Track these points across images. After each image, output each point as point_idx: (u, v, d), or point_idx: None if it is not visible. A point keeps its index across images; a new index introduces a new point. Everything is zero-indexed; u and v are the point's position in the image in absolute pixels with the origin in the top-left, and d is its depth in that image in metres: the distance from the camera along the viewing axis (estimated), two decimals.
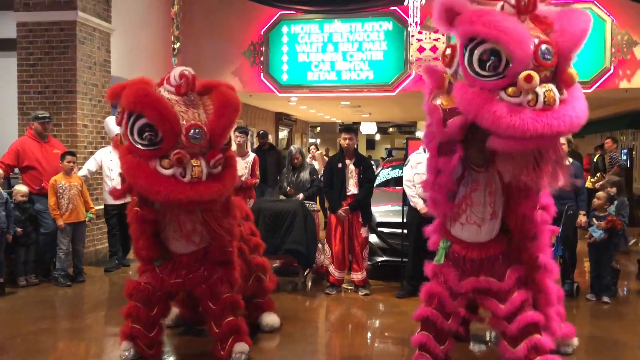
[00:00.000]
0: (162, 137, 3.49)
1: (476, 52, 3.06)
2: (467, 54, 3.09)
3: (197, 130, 3.52)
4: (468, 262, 3.62)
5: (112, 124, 7.22)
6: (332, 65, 9.83)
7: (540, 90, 2.94)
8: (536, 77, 2.93)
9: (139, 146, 3.52)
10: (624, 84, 9.17)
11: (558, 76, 3.04)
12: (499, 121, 2.96)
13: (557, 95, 2.97)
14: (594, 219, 5.70)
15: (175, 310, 4.77)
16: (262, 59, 10.04)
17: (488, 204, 3.53)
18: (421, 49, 9.49)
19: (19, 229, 5.95)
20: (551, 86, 2.97)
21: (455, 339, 3.90)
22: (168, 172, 3.49)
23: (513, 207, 3.52)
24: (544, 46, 2.97)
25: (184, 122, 3.53)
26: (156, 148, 3.51)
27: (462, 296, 3.66)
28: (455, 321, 3.70)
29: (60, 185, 6.18)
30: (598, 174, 11.17)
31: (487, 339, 4.71)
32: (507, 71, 2.99)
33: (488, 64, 3.03)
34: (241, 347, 3.96)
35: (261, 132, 9.51)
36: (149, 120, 3.47)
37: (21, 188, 6.20)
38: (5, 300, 5.64)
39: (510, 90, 2.98)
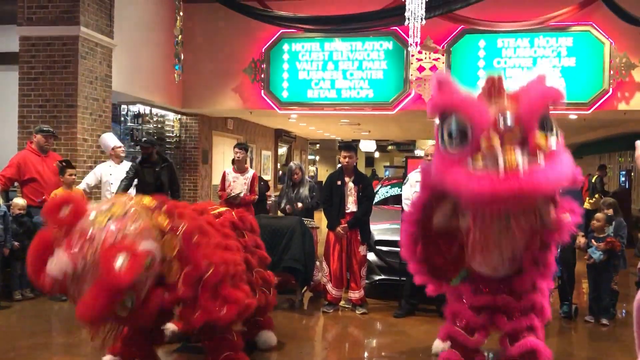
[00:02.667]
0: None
1: (445, 126, 3.22)
2: (439, 129, 3.27)
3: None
4: (485, 285, 3.70)
5: (108, 139, 7.26)
6: (332, 83, 9.88)
7: (501, 156, 2.98)
8: (496, 141, 2.99)
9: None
10: (622, 106, 9.21)
11: (528, 143, 3.08)
12: (459, 188, 3.07)
13: (520, 159, 2.98)
14: (592, 240, 5.69)
15: (171, 326, 4.73)
16: (262, 76, 10.09)
17: (504, 248, 3.47)
18: (421, 69, 9.55)
19: (16, 243, 5.93)
20: (516, 151, 3.00)
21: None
22: None
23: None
24: (502, 113, 3.08)
25: None
26: None
27: (484, 310, 3.71)
28: (482, 335, 3.72)
29: None
30: (596, 195, 11.19)
31: None
32: (471, 139, 3.09)
33: (454, 134, 3.15)
34: None
35: (144, 139, 7.42)
36: None
37: (19, 201, 6.19)
38: (0, 314, 5.60)
39: (475, 157, 3.04)
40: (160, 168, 6.72)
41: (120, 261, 3.04)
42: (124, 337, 3.94)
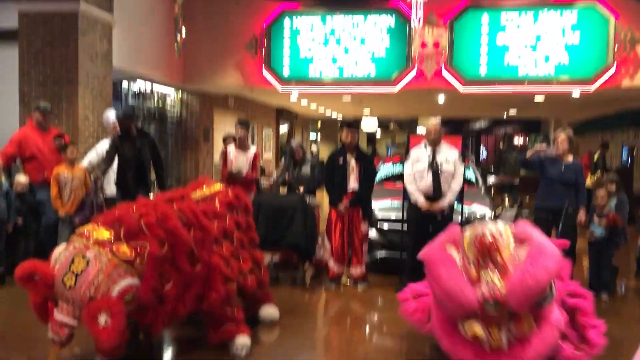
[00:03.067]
0: None
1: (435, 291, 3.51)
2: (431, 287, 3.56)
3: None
4: None
5: (111, 115, 7.25)
6: (333, 60, 9.82)
7: (485, 337, 3.25)
8: (481, 335, 3.24)
9: None
10: (626, 82, 9.16)
11: (514, 319, 3.27)
12: (452, 354, 3.49)
13: (505, 339, 3.25)
14: (595, 217, 5.70)
15: None
16: (264, 52, 10.02)
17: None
18: (423, 45, 9.47)
19: (19, 219, 5.96)
20: (501, 332, 3.24)
21: None
22: None
23: None
24: (488, 303, 3.21)
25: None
26: None
27: None
28: None
29: (63, 176, 6.18)
30: (598, 172, 11.17)
31: None
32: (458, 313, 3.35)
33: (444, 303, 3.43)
34: (242, 340, 3.99)
35: (121, 112, 6.52)
36: None
37: (21, 179, 6.20)
38: (6, 291, 5.66)
39: (465, 323, 3.31)
40: (141, 143, 6.31)
41: (102, 321, 3.21)
42: None
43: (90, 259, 3.36)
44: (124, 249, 3.44)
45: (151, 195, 6.15)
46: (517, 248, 3.39)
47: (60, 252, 3.52)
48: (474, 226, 3.53)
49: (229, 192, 4.51)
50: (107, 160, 6.24)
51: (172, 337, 4.49)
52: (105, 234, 3.51)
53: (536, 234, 3.47)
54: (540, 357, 3.29)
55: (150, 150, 6.40)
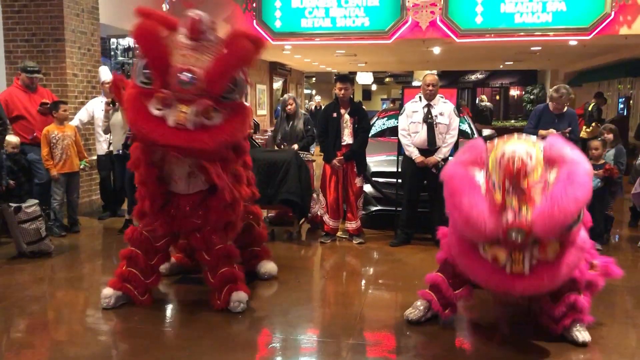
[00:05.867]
0: (151, 74, 3.53)
1: None
2: None
3: (185, 74, 3.44)
4: None
5: (101, 73, 7.12)
6: (326, 11, 9.58)
7: (507, 262, 3.14)
8: (503, 261, 3.15)
9: (138, 83, 3.59)
10: (624, 30, 8.99)
11: (539, 244, 3.13)
12: (477, 279, 3.41)
13: (527, 265, 3.13)
14: None
15: (171, 259, 4.78)
16: (254, 5, 9.77)
17: None
18: None
19: (11, 181, 5.90)
20: (522, 255, 3.12)
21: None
22: (157, 112, 3.49)
23: None
24: (513, 230, 3.05)
25: (180, 65, 3.47)
26: (150, 87, 3.54)
27: None
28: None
29: (53, 135, 6.10)
30: (593, 124, 11.09)
31: None
32: None
33: None
34: (239, 296, 3.99)
35: None
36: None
37: (12, 139, 6.10)
38: (1, 250, 5.66)
39: (485, 248, 3.21)
40: None
41: None
42: (123, 273, 4.01)
43: None
44: None
45: None
46: (547, 170, 3.14)
47: None
48: (500, 143, 3.24)
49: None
50: None
51: (171, 300, 4.53)
52: None
53: (568, 154, 3.17)
54: (560, 280, 3.20)
55: None
